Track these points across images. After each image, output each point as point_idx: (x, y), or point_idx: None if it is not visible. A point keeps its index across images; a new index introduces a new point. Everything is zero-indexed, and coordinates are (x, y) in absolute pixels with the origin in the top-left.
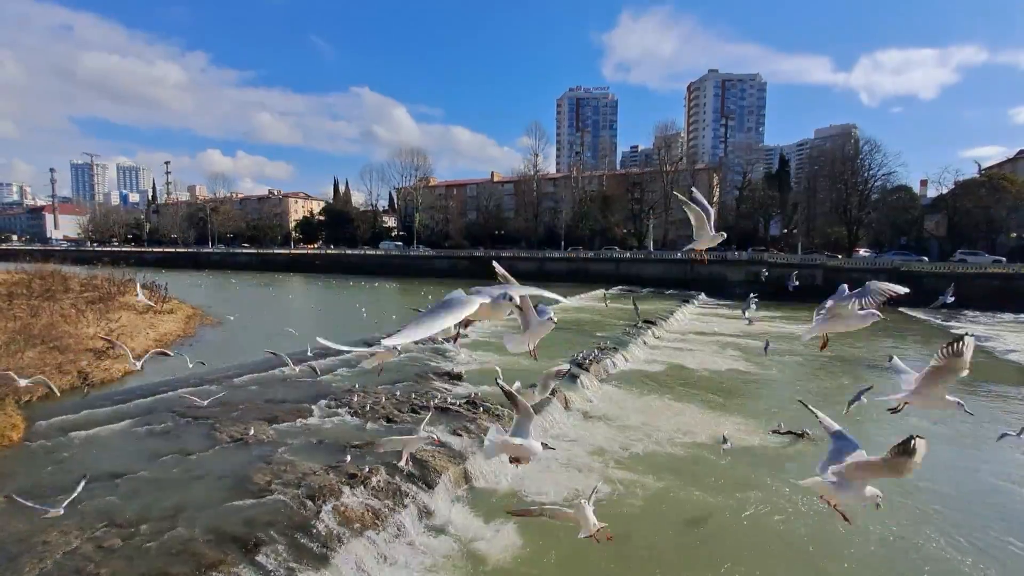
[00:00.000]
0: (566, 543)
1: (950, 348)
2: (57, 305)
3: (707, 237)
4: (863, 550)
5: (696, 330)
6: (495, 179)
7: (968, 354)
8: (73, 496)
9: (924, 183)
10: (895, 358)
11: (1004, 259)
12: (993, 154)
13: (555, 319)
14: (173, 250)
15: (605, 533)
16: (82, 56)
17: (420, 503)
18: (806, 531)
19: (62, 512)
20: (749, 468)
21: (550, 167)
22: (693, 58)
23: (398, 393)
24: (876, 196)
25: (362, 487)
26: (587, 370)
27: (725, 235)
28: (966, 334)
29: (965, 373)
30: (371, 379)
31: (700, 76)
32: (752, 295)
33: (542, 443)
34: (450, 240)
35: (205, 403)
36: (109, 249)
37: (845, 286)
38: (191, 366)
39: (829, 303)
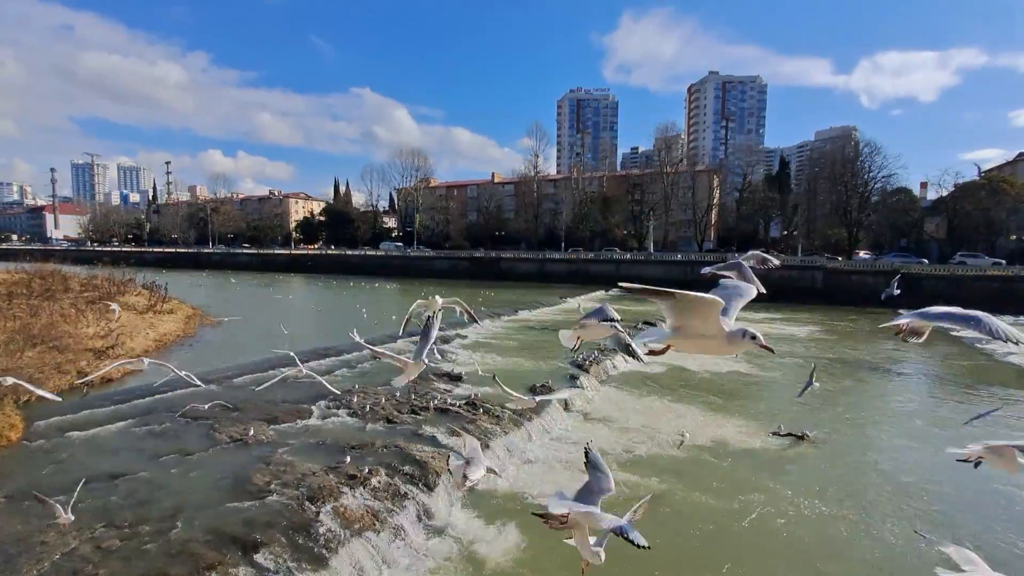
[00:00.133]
0: (567, 547)
1: None
2: (57, 305)
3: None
4: (865, 551)
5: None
6: (496, 180)
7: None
8: (73, 498)
9: (924, 185)
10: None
11: (1004, 261)
12: (993, 157)
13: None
14: (173, 250)
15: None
16: (83, 56)
17: (420, 504)
18: (807, 533)
19: (72, 518)
20: (750, 470)
21: (551, 168)
22: (693, 60)
23: (398, 394)
24: (876, 198)
25: (362, 488)
26: (587, 371)
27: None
28: None
29: None
30: (371, 380)
31: (700, 78)
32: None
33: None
34: (450, 241)
35: (208, 417)
36: (109, 249)
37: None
38: (183, 374)
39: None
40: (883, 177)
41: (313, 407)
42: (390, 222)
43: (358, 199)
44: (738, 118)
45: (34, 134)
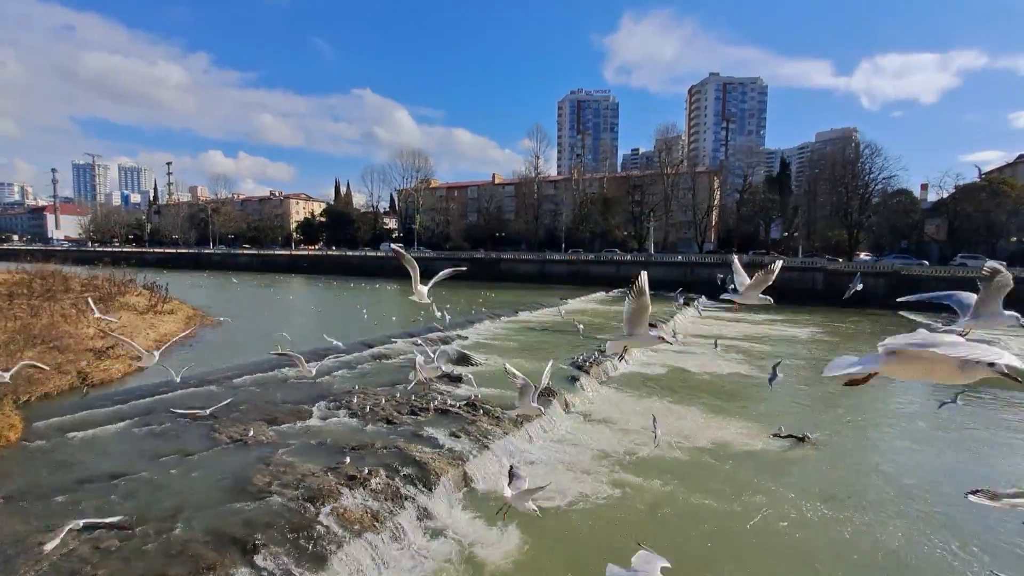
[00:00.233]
0: (568, 549)
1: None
2: (57, 305)
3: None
4: (867, 554)
5: (697, 333)
6: (496, 181)
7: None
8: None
9: (924, 187)
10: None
11: (1004, 263)
12: (993, 158)
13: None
14: (174, 251)
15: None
16: (84, 56)
17: (420, 505)
18: (810, 535)
19: (81, 525)
20: (751, 472)
21: (551, 169)
22: (694, 61)
23: (398, 395)
24: (877, 200)
25: (361, 489)
26: (587, 372)
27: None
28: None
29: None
30: (370, 380)
31: (701, 79)
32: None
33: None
34: (451, 242)
35: (208, 417)
36: (110, 249)
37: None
38: (178, 379)
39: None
40: (884, 179)
41: (313, 408)
42: (390, 223)
43: (359, 200)
44: (738, 119)
45: (35, 134)
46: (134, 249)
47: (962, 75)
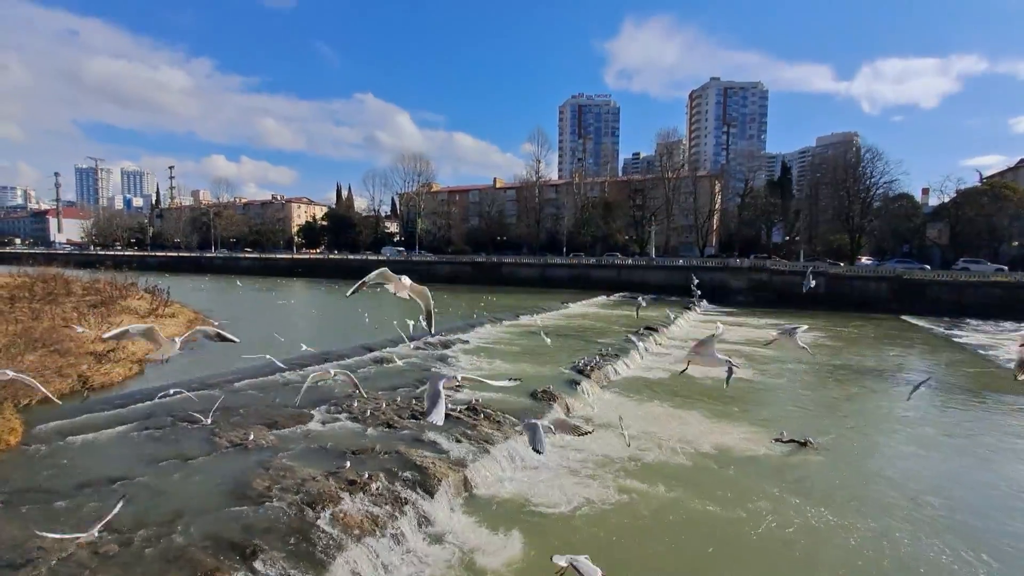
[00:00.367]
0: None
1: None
2: (59, 308)
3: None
4: (873, 562)
5: (698, 337)
6: (497, 185)
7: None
8: (108, 518)
9: (926, 191)
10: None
11: (1006, 268)
12: (994, 163)
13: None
14: (176, 254)
15: None
16: (88, 61)
17: (420, 510)
18: (815, 542)
19: (96, 535)
20: (755, 478)
21: (552, 173)
22: (695, 66)
23: (399, 399)
24: (878, 204)
25: (362, 494)
26: (588, 377)
27: None
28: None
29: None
30: (372, 384)
31: (702, 84)
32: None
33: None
34: (452, 246)
35: (209, 421)
36: (112, 253)
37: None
38: (172, 393)
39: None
40: (885, 183)
41: (314, 412)
42: (392, 227)
43: (360, 204)
44: (739, 124)
45: (39, 138)
46: (136, 253)
47: (962, 80)
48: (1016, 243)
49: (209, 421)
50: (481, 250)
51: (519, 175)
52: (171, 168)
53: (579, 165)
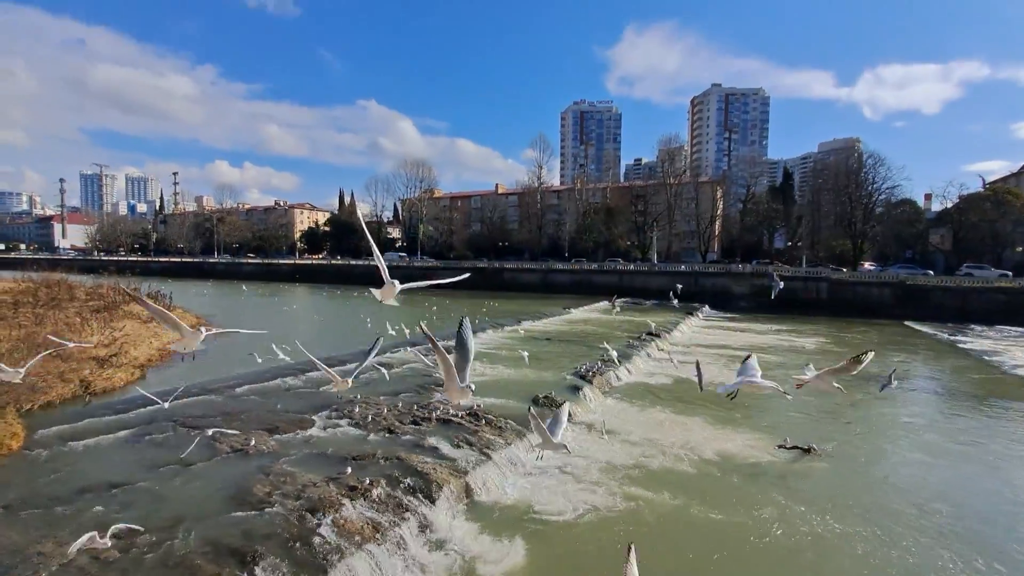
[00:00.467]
0: (572, 563)
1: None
2: (62, 314)
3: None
4: (880, 570)
5: (700, 343)
6: (499, 191)
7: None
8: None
9: (928, 197)
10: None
11: (1010, 273)
12: (996, 168)
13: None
14: (179, 259)
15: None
16: (93, 68)
17: (421, 517)
18: (821, 550)
19: (109, 543)
20: (759, 485)
21: (554, 179)
22: (696, 72)
23: (400, 404)
24: (880, 209)
25: (362, 499)
26: (590, 382)
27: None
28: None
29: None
30: (373, 390)
31: (703, 90)
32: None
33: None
34: (454, 251)
35: (210, 426)
36: (116, 258)
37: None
38: (167, 406)
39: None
40: (887, 188)
41: (315, 417)
42: (394, 232)
43: (363, 210)
44: (741, 130)
45: (44, 144)
46: (139, 258)
47: (964, 85)
48: (1020, 248)
49: (210, 426)
50: (483, 255)
51: (521, 181)
52: (175, 174)
53: (581, 171)
